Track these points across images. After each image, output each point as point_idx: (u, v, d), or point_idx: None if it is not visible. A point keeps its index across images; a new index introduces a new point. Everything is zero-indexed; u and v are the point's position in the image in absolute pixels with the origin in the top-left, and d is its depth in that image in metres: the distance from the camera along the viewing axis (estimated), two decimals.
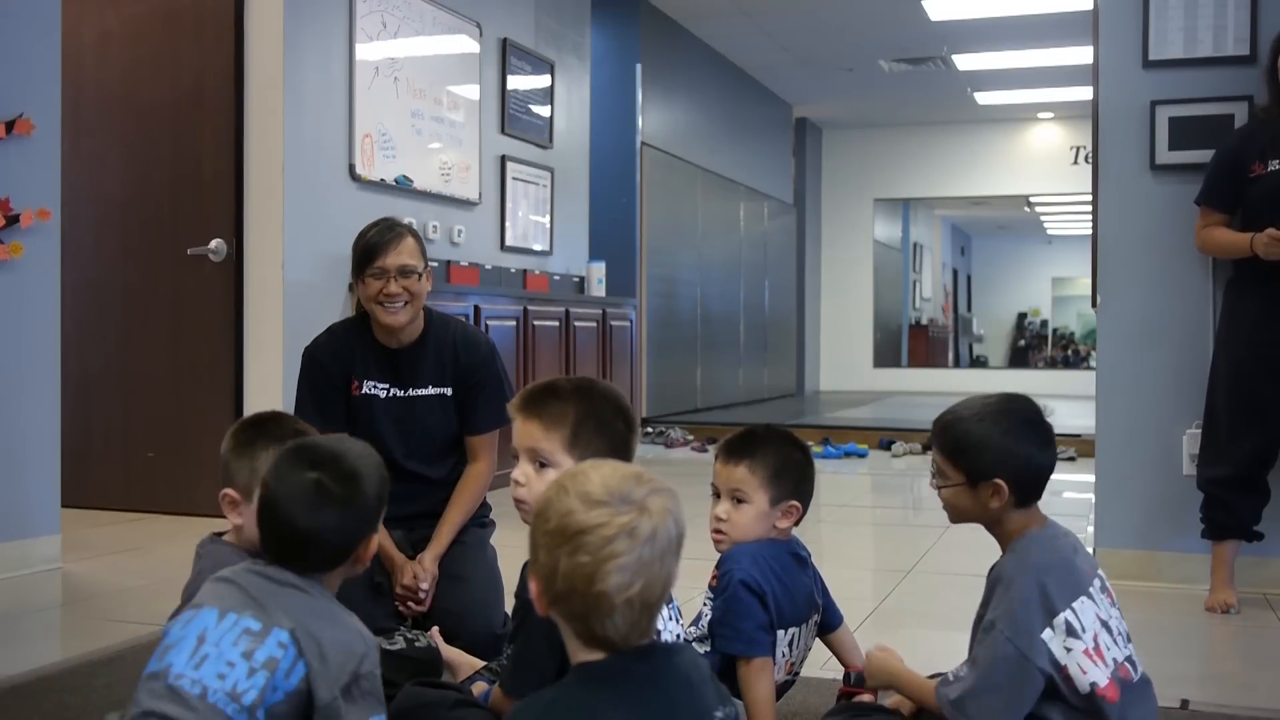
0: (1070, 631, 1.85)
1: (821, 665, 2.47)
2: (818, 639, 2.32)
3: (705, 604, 2.16)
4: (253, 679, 1.59)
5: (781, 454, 2.19)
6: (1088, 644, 1.86)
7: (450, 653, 2.54)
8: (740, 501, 2.17)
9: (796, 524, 2.23)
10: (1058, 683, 1.85)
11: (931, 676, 2.04)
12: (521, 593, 1.77)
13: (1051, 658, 1.85)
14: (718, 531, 2.20)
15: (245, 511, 1.98)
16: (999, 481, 1.95)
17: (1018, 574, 1.90)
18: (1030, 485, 1.99)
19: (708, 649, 2.10)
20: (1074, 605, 1.88)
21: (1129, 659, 1.92)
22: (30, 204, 3.91)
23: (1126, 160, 3.97)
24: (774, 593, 2.11)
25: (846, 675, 2.30)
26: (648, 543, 1.37)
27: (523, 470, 1.89)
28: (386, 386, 2.97)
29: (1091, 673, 1.84)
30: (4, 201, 3.82)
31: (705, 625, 2.13)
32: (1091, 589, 1.93)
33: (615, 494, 1.39)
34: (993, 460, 1.96)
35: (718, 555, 2.19)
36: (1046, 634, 1.85)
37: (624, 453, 1.89)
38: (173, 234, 5.04)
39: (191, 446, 5.00)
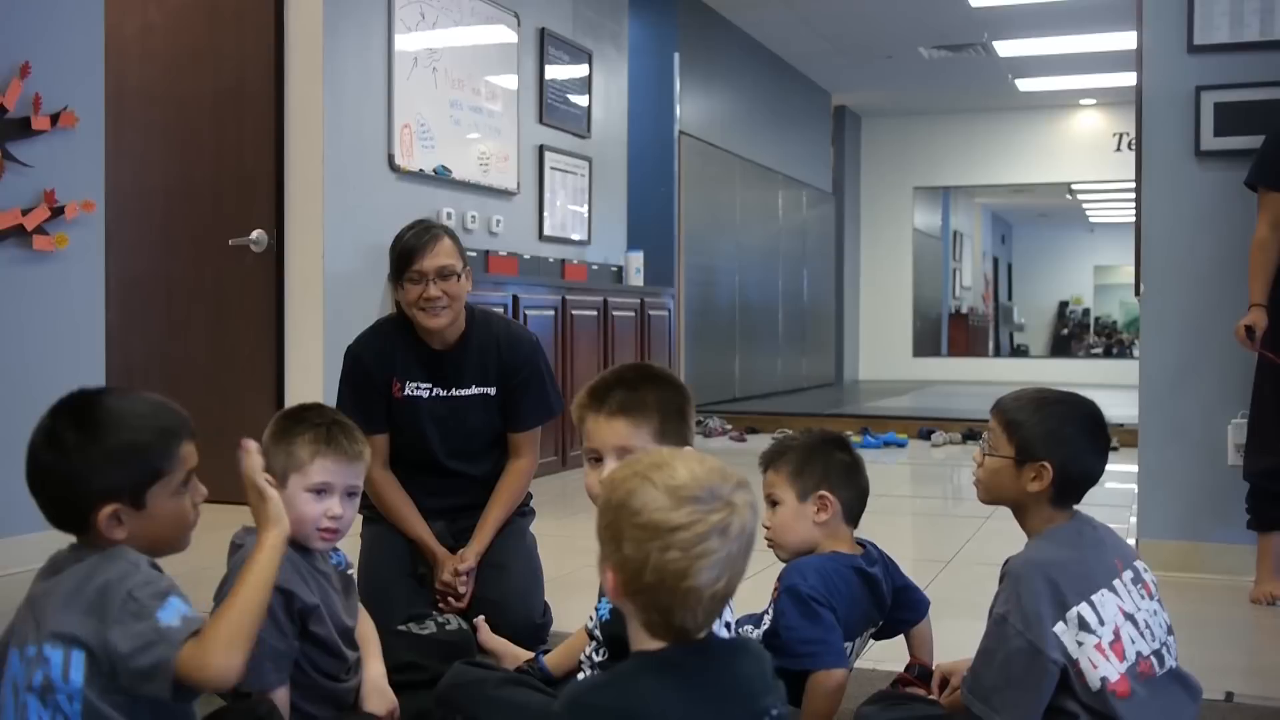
0: (1084, 625, 1.85)
1: (860, 657, 2.46)
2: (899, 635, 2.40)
3: (768, 613, 2.18)
4: (48, 710, 1.55)
5: (804, 452, 2.27)
6: (1104, 637, 1.86)
7: (496, 643, 2.56)
8: (775, 504, 2.28)
9: (856, 521, 2.29)
10: (1070, 676, 1.85)
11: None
12: None
13: (1064, 650, 1.85)
14: (767, 538, 2.27)
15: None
16: (1046, 465, 1.95)
17: (1028, 569, 1.91)
18: (1073, 484, 1.99)
19: None
20: (1092, 599, 1.88)
21: (1157, 652, 1.91)
22: (75, 196, 3.95)
23: (1171, 147, 3.92)
24: (840, 607, 2.14)
25: (910, 666, 2.35)
26: (736, 539, 1.38)
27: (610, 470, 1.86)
28: (430, 387, 2.97)
29: (1102, 667, 1.84)
30: (49, 193, 3.87)
31: (762, 634, 2.16)
32: (1118, 581, 1.92)
33: (706, 490, 1.38)
34: (1049, 442, 1.97)
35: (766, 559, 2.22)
36: (1059, 627, 1.86)
37: (690, 433, 1.95)
38: (214, 225, 5.08)
39: (232, 436, 4.93)
